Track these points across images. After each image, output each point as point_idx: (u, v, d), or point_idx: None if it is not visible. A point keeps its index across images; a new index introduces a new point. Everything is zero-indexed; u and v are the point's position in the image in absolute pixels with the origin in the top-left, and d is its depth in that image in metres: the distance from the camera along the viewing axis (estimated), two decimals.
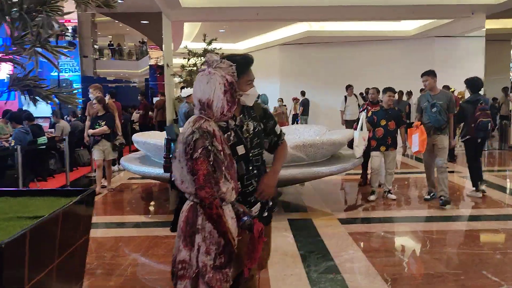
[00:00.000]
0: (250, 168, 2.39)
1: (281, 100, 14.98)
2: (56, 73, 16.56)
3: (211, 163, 2.00)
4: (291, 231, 4.94)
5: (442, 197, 5.82)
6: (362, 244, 4.53)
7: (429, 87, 5.88)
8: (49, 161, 8.58)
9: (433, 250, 4.37)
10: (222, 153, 2.08)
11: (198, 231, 2.07)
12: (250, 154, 2.39)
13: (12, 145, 7.11)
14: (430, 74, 5.86)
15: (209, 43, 11.63)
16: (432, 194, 6.17)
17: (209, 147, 2.00)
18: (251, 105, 2.45)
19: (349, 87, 11.57)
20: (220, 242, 2.07)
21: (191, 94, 9.72)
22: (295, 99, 16.18)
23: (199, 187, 1.96)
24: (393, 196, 6.30)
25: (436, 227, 5.14)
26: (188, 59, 11.56)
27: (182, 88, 12.58)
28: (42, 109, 10.34)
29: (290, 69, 17.71)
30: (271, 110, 15.46)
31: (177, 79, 12.54)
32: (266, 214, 2.50)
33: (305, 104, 15.87)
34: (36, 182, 7.73)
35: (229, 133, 2.33)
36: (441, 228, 5.07)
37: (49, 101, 1.95)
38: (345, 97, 11.52)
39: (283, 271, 3.85)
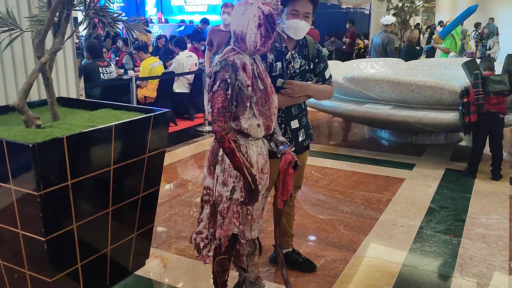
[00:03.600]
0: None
1: None
2: None
3: (229, 96, 2.00)
4: (439, 182, 4.41)
5: None
6: None
7: None
8: None
9: None
10: (249, 88, 2.04)
11: (218, 161, 2.14)
12: None
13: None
14: None
15: None
16: None
17: (228, 80, 1.99)
18: (297, 38, 2.33)
19: None
20: (240, 176, 2.10)
21: (393, 23, 8.98)
22: None
23: (213, 120, 2.00)
24: None
25: None
26: None
27: (394, 14, 11.75)
28: None
29: None
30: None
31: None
32: (307, 143, 2.57)
33: None
34: None
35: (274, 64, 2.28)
36: None
37: (114, 29, 2.24)
38: None
39: (395, 220, 3.56)
